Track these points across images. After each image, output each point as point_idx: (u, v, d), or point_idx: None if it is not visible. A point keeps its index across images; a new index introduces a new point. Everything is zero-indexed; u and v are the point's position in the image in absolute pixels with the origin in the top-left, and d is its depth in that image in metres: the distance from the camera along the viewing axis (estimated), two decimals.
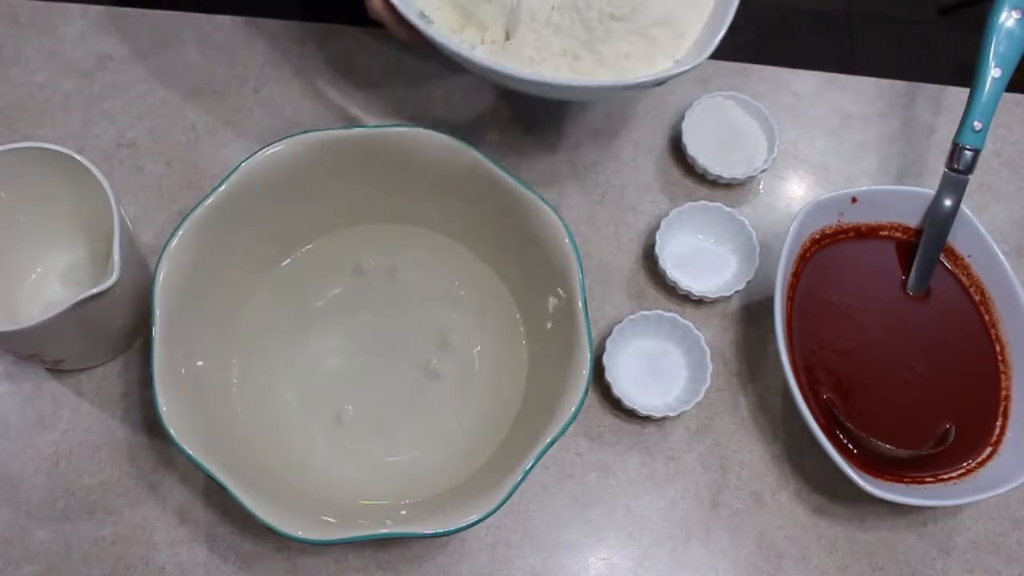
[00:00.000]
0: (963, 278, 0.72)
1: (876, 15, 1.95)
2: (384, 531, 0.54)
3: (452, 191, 0.67)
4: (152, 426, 0.65)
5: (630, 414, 0.67)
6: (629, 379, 0.69)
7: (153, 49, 0.80)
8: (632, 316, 0.69)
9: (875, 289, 0.72)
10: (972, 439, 0.66)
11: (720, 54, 0.78)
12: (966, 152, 0.70)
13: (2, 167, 0.60)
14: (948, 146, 0.71)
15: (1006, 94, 0.71)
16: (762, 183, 0.79)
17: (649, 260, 0.74)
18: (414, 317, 0.69)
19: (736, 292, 0.72)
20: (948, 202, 0.71)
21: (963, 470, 0.65)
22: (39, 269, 0.68)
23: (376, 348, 0.68)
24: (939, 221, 0.71)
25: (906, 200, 0.72)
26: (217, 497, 0.63)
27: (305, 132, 0.63)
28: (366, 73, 0.80)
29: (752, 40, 1.87)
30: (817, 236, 0.71)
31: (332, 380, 0.66)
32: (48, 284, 0.68)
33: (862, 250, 0.72)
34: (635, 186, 0.78)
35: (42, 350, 0.61)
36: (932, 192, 0.71)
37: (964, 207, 0.71)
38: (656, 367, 0.70)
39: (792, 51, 1.86)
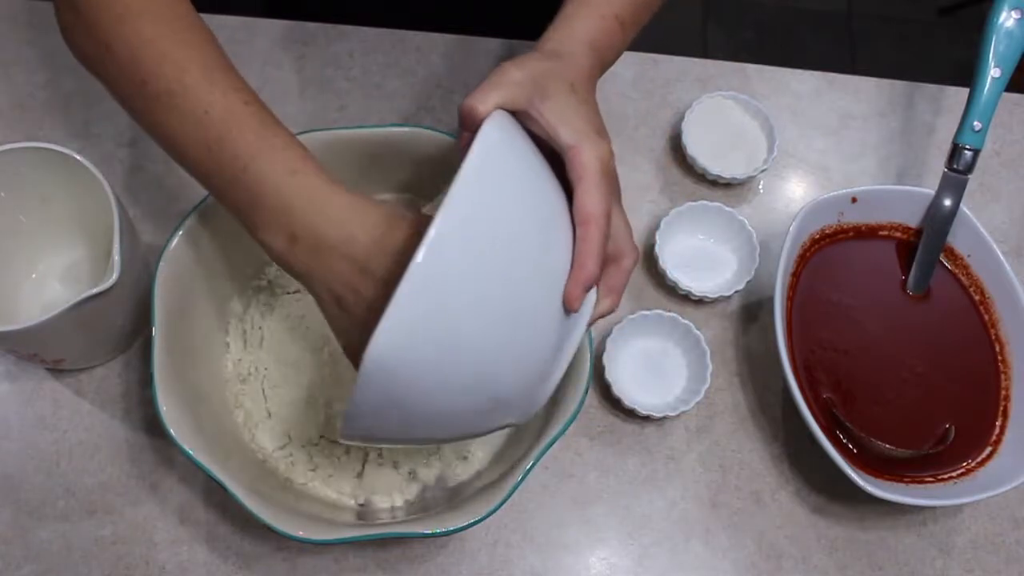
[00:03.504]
0: (963, 278, 0.72)
1: (876, 15, 1.95)
2: (384, 531, 0.54)
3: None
4: (152, 426, 0.65)
5: (630, 414, 0.67)
6: (629, 379, 0.69)
7: None
8: (632, 316, 0.69)
9: (875, 289, 0.72)
10: (972, 439, 0.66)
11: (720, 54, 0.78)
12: (966, 152, 0.70)
13: (2, 167, 0.60)
14: (948, 146, 0.71)
15: (1006, 94, 0.71)
16: (762, 183, 0.79)
17: (649, 260, 0.74)
18: None
19: (736, 292, 0.72)
20: (948, 202, 0.71)
21: (963, 470, 0.65)
22: (39, 269, 0.68)
23: None
24: (939, 221, 0.71)
25: (906, 200, 0.72)
26: (217, 497, 0.63)
27: (305, 132, 0.63)
28: (366, 73, 0.80)
29: (752, 40, 1.88)
30: (817, 236, 0.71)
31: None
32: (48, 284, 0.68)
33: (862, 250, 0.72)
34: (635, 186, 0.78)
35: (42, 350, 0.61)
36: (932, 192, 0.71)
37: (964, 207, 0.71)
38: (656, 367, 0.70)
39: (792, 51, 1.86)
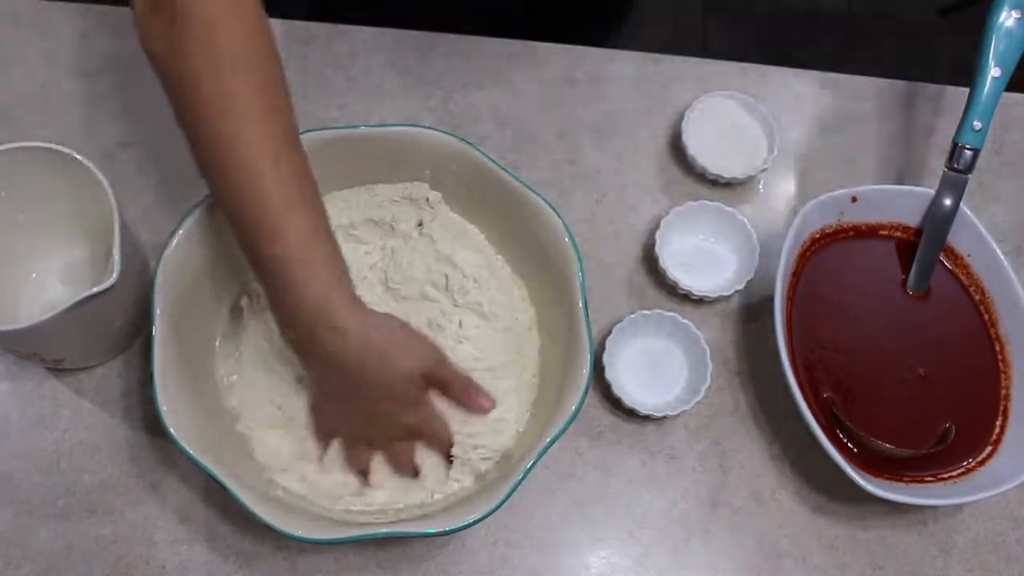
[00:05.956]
0: (963, 277, 0.72)
1: (876, 15, 1.95)
2: (384, 530, 0.54)
3: (452, 190, 0.67)
4: (152, 425, 0.65)
5: (630, 413, 0.67)
6: (629, 378, 0.69)
7: None
8: (632, 315, 0.69)
9: (875, 288, 0.72)
10: (972, 438, 0.66)
11: (720, 54, 0.78)
12: (966, 151, 0.70)
13: (2, 167, 0.60)
14: (948, 146, 0.71)
15: (1006, 94, 0.71)
16: (762, 182, 0.79)
17: (649, 260, 0.74)
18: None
19: (736, 291, 0.72)
20: (948, 201, 0.71)
21: (963, 469, 0.65)
22: (39, 269, 0.68)
23: None
24: (939, 220, 0.71)
25: (906, 199, 0.72)
26: (217, 496, 0.63)
27: (306, 131, 0.63)
28: (366, 73, 0.80)
29: (752, 40, 1.88)
30: (817, 235, 0.71)
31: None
32: (48, 284, 0.68)
33: (862, 249, 0.72)
34: (635, 186, 0.78)
35: (42, 349, 0.61)
36: (932, 191, 0.71)
37: (964, 206, 0.71)
38: (656, 366, 0.70)
39: (792, 51, 1.86)
